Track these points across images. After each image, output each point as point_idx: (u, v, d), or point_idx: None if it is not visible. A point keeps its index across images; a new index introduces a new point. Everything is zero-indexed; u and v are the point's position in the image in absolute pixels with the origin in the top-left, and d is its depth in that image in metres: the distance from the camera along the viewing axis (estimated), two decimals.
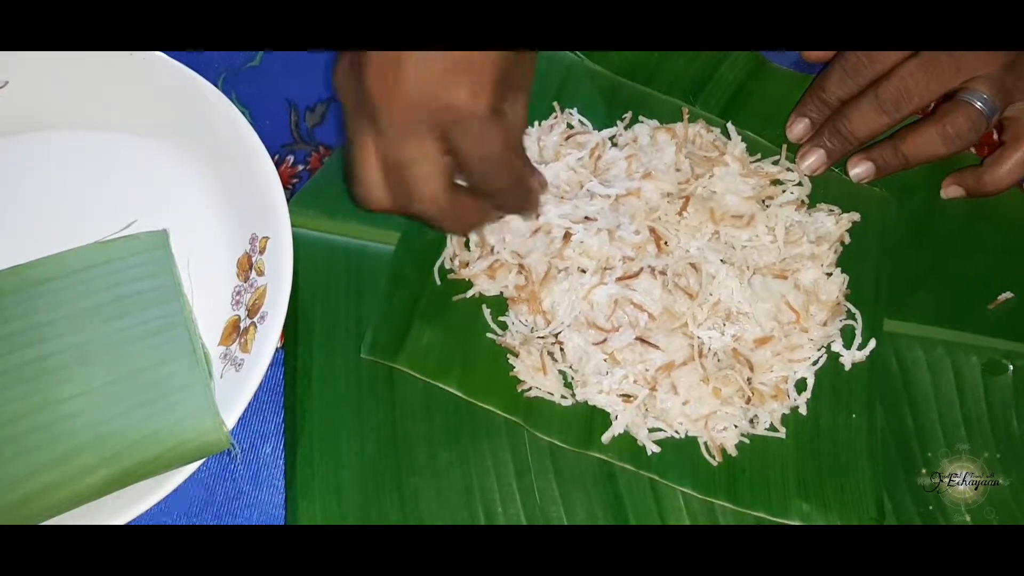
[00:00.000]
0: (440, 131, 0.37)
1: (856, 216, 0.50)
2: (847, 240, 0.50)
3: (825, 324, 0.47)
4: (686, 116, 0.51)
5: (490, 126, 0.37)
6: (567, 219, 0.47)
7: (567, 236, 0.47)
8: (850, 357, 0.47)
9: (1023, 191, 0.53)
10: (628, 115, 0.52)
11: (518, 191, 0.41)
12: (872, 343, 0.48)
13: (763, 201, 0.50)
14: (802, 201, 0.50)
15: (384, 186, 0.39)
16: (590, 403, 0.46)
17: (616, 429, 0.45)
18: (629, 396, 0.45)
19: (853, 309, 0.48)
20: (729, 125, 0.52)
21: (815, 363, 0.47)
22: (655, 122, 0.52)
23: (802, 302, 0.47)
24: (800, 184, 0.51)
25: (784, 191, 0.50)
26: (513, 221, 0.47)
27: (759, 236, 0.48)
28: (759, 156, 0.52)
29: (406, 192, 0.39)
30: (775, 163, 0.51)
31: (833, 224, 0.49)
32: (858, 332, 0.48)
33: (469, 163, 0.38)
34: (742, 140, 0.51)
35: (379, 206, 0.39)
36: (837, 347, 0.48)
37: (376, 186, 0.39)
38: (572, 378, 0.46)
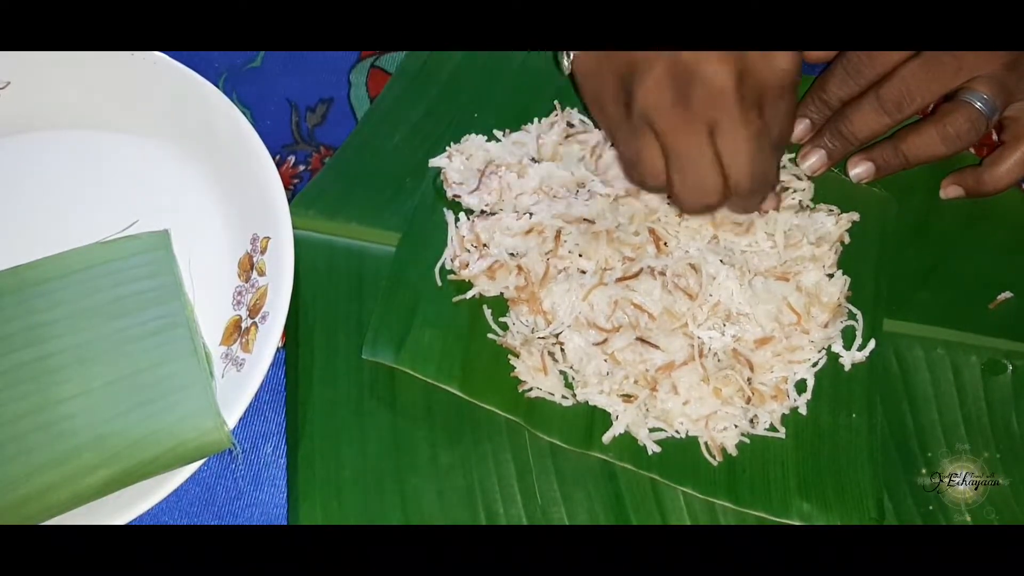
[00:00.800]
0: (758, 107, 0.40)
1: (855, 216, 0.50)
2: (847, 240, 0.50)
3: (826, 326, 0.47)
4: None
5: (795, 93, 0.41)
6: (560, 219, 0.47)
7: (558, 235, 0.47)
8: (850, 358, 0.47)
9: (1023, 191, 0.53)
10: None
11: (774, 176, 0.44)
12: (872, 344, 0.48)
13: None
14: (801, 203, 0.50)
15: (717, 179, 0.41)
16: (591, 403, 0.46)
17: (617, 429, 0.45)
18: (629, 396, 0.45)
19: (854, 310, 0.48)
20: None
21: (815, 364, 0.47)
22: None
23: (803, 304, 0.47)
24: (803, 189, 0.50)
25: (787, 189, 0.50)
26: (504, 220, 0.47)
27: (759, 243, 0.48)
28: None
29: (746, 185, 0.41)
30: (784, 166, 0.51)
31: (833, 224, 0.49)
32: (858, 333, 0.48)
33: (778, 129, 0.41)
34: None
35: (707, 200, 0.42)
36: (837, 348, 0.48)
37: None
38: (573, 378, 0.46)
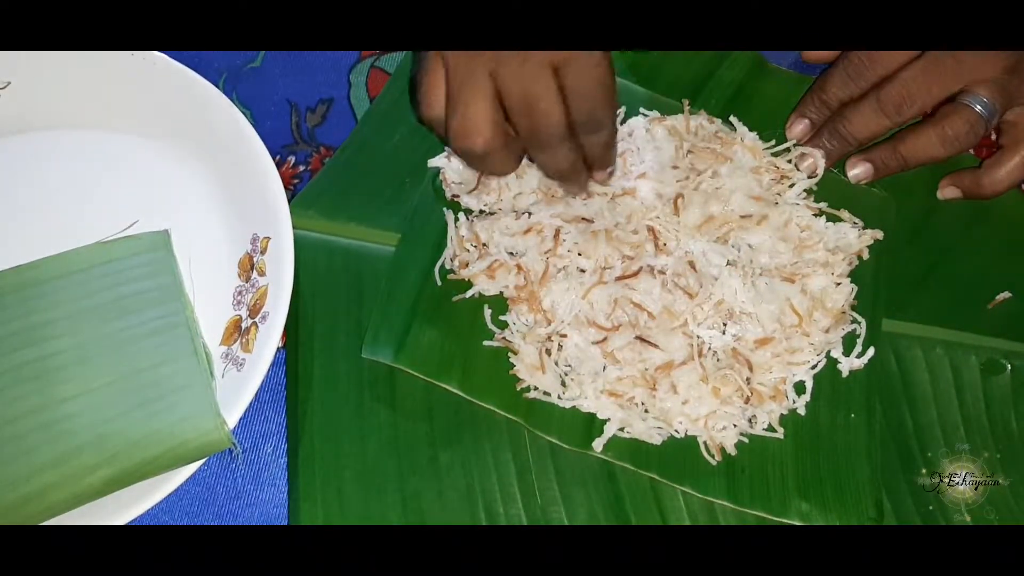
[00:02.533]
0: (555, 68, 0.39)
1: (879, 234, 0.49)
2: (866, 256, 0.49)
3: (827, 332, 0.47)
4: (687, 108, 0.51)
5: (603, 64, 0.40)
6: (559, 218, 0.47)
7: (557, 234, 0.47)
8: (848, 364, 0.47)
9: (1022, 192, 0.53)
10: (622, 110, 0.52)
11: (611, 144, 0.44)
12: (871, 352, 0.47)
13: (777, 195, 0.49)
14: (820, 210, 0.50)
15: (494, 119, 0.40)
16: (581, 409, 0.45)
17: (608, 433, 0.45)
18: (628, 395, 0.45)
19: (859, 318, 0.48)
20: (733, 118, 0.52)
21: (814, 367, 0.47)
22: (655, 112, 0.51)
23: (807, 307, 0.47)
24: (811, 176, 0.50)
25: (792, 185, 0.50)
26: (503, 219, 0.47)
27: (771, 240, 0.48)
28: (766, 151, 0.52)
29: (528, 124, 0.40)
30: (788, 161, 0.51)
31: (855, 237, 0.49)
32: (860, 341, 0.48)
33: (580, 99, 0.40)
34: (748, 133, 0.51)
35: (487, 140, 0.41)
36: (836, 353, 0.47)
37: (487, 120, 0.40)
38: (572, 377, 0.46)
